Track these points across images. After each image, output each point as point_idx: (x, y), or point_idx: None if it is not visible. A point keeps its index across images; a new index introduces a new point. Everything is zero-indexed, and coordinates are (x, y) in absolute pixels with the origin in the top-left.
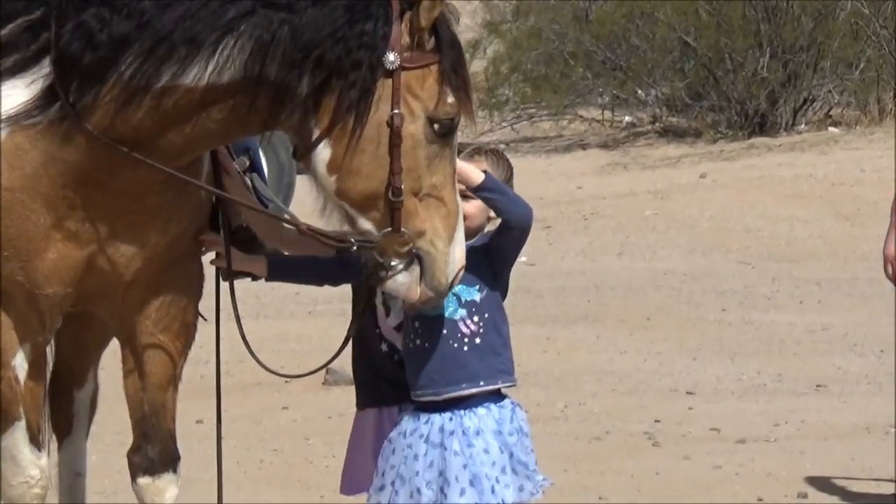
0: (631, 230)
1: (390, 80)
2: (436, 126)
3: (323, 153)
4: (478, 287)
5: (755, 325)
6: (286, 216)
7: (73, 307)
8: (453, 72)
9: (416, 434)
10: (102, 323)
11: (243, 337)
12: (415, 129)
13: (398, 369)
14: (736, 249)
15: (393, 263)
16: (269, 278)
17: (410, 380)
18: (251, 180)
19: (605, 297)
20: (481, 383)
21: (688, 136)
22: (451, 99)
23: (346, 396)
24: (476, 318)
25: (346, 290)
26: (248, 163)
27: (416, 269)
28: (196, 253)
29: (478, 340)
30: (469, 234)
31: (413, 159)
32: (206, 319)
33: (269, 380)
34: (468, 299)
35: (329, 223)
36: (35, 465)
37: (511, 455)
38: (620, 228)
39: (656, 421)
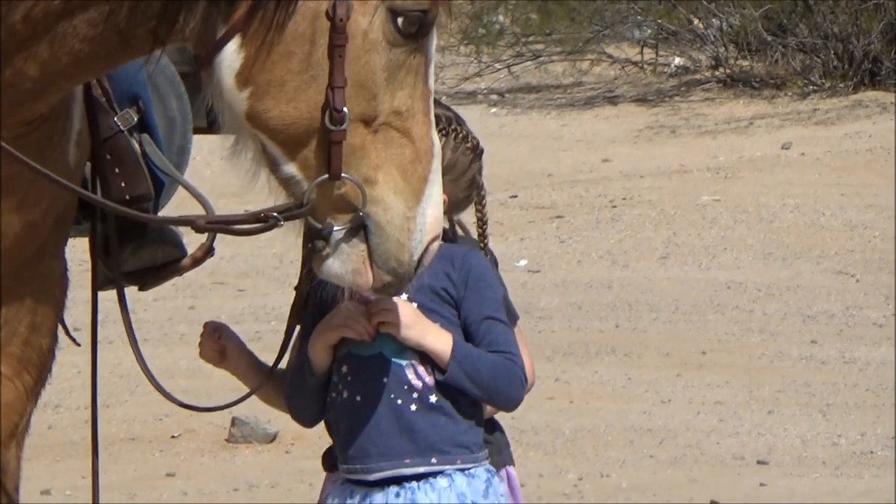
0: (681, 224)
1: None
2: (400, 21)
3: (231, 58)
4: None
5: (859, 366)
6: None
7: None
8: None
9: None
10: None
11: (141, 359)
12: (368, 23)
13: None
14: (833, 255)
15: (336, 229)
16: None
17: (337, 446)
18: (139, 143)
19: (642, 321)
20: (433, 461)
21: (765, 89)
22: None
23: (259, 459)
24: (431, 366)
25: (263, 301)
26: (135, 118)
27: (359, 240)
28: (58, 247)
29: (432, 399)
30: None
31: (365, 69)
32: (78, 344)
33: (147, 435)
34: None
35: (239, 168)
36: None
37: None
38: (665, 221)
39: (713, 502)
